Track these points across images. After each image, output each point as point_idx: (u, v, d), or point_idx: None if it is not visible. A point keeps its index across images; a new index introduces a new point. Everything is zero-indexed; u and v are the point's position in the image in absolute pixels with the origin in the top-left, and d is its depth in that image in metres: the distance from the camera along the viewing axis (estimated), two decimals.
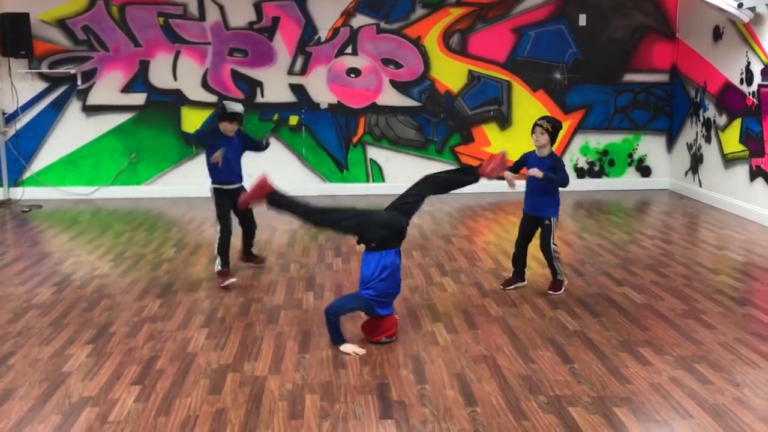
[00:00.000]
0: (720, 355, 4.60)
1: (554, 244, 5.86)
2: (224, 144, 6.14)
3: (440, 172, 5.54)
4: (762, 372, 4.36)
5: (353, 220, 4.95)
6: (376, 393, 4.13)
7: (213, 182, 6.31)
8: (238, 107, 6.30)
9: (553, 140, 5.79)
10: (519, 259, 6.03)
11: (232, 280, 6.13)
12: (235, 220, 6.38)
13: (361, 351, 4.67)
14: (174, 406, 4.00)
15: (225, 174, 6.26)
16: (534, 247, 6.00)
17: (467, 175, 5.51)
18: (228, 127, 6.22)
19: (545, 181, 5.66)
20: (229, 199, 6.25)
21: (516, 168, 5.88)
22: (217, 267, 6.20)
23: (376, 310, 4.77)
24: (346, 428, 3.74)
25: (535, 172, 5.63)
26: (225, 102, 6.40)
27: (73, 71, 9.86)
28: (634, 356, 4.60)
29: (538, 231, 5.90)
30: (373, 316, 4.83)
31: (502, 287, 6.01)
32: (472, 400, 4.03)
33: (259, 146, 6.57)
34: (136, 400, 4.07)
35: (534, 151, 5.87)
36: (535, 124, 5.81)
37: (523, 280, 6.07)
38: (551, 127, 5.75)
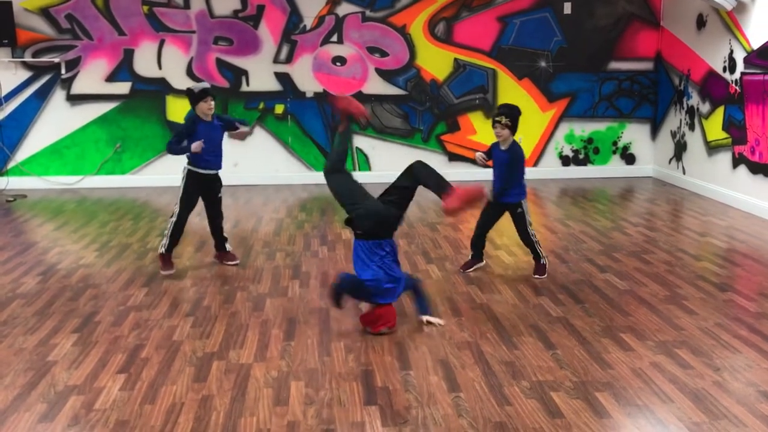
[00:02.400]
0: (701, 340, 4.66)
1: (531, 229, 6.00)
2: (204, 130, 6.03)
3: (430, 170, 5.20)
4: (741, 356, 4.43)
5: (357, 210, 4.98)
6: (361, 379, 4.16)
7: (189, 164, 6.11)
8: (205, 84, 6.18)
9: (514, 130, 5.88)
10: (478, 242, 6.21)
11: (171, 271, 6.08)
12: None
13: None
14: (159, 393, 4.02)
15: (205, 158, 6.08)
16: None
17: (440, 190, 5.05)
18: (204, 107, 6.01)
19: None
20: (202, 186, 6.16)
21: (488, 156, 6.09)
22: (161, 249, 6.14)
23: (374, 298, 4.80)
24: (330, 414, 3.78)
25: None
26: (189, 87, 6.13)
27: (56, 60, 9.81)
28: (616, 342, 4.66)
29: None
30: (373, 303, 4.85)
31: (462, 270, 6.17)
32: (456, 386, 4.08)
33: (238, 124, 6.38)
34: (122, 388, 4.09)
35: (498, 142, 5.99)
36: (494, 120, 5.89)
37: (482, 261, 6.26)
38: (510, 122, 5.84)
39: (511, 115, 5.85)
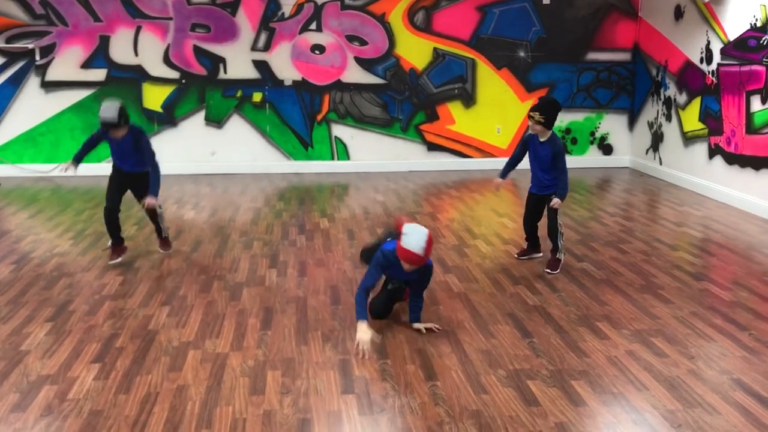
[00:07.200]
0: (676, 329, 4.70)
1: (560, 220, 5.90)
2: (112, 144, 5.95)
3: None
4: (716, 345, 4.47)
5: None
6: (338, 369, 4.15)
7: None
8: (108, 112, 5.69)
9: (549, 125, 5.82)
10: (531, 235, 6.21)
11: (118, 260, 6.02)
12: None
13: (371, 341, 4.39)
14: (134, 383, 3.98)
15: (119, 161, 6.05)
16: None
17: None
18: (111, 134, 5.85)
19: (560, 200, 5.83)
20: (123, 180, 6.06)
21: (520, 153, 6.06)
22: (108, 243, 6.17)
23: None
24: (307, 403, 3.76)
25: (556, 203, 5.80)
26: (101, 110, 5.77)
27: (30, 46, 9.66)
28: (592, 330, 4.68)
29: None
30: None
31: (516, 256, 6.24)
32: (433, 374, 4.08)
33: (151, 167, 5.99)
34: (96, 377, 4.04)
35: (536, 135, 5.92)
36: (528, 115, 5.86)
37: (539, 252, 6.24)
38: (544, 119, 5.76)
39: (545, 111, 5.76)
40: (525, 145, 6.03)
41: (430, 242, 4.46)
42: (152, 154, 5.98)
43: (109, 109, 5.72)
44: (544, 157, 5.86)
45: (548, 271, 5.84)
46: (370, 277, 4.59)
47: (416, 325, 4.67)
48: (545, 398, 3.81)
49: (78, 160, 6.16)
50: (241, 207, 8.20)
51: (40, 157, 9.96)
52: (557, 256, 5.90)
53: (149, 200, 5.89)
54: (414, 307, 4.73)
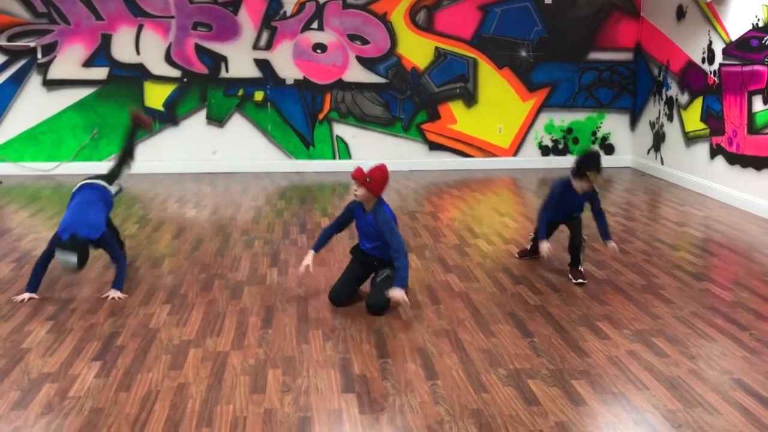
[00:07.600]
0: (676, 329, 4.70)
1: (584, 233, 5.81)
2: None
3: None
4: (716, 345, 4.47)
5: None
6: (339, 367, 4.15)
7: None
8: (68, 265, 5.10)
9: None
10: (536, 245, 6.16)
11: None
12: None
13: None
14: (135, 381, 3.99)
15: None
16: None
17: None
18: None
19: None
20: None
21: (557, 204, 5.81)
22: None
23: None
24: (307, 402, 3.76)
25: (614, 248, 5.90)
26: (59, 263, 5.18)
27: (32, 44, 9.67)
28: (592, 330, 4.68)
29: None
30: None
31: (517, 256, 6.25)
32: (433, 373, 4.08)
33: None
34: (97, 375, 4.05)
35: (569, 186, 5.72)
36: (584, 175, 5.52)
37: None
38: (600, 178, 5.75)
39: (602, 170, 5.62)
40: (562, 197, 5.77)
41: (380, 168, 4.91)
42: (117, 250, 5.52)
43: (68, 263, 5.09)
44: (580, 206, 5.80)
45: (581, 281, 5.57)
46: (337, 219, 5.28)
47: (391, 291, 4.82)
48: (546, 398, 3.81)
49: (36, 288, 5.30)
50: (242, 206, 8.21)
51: (41, 156, 9.96)
52: (579, 268, 5.68)
53: (112, 293, 5.30)
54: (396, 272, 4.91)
